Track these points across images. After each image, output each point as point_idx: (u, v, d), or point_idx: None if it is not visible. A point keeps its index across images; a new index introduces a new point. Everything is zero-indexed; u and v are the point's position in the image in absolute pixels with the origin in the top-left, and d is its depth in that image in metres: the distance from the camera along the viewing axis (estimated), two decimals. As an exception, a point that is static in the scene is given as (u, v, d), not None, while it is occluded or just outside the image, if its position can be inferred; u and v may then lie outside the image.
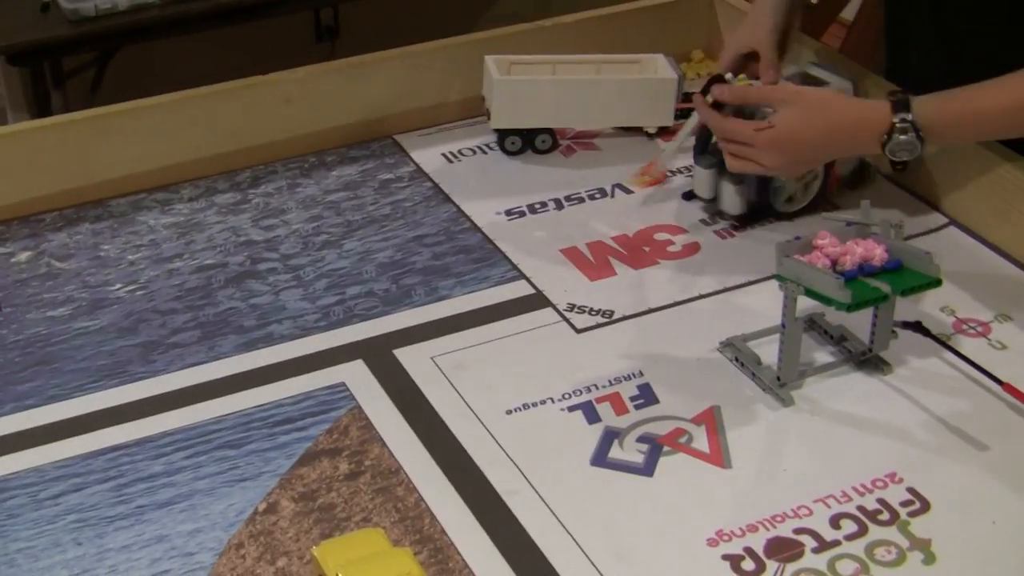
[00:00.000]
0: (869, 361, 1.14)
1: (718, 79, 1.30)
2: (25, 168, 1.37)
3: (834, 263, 1.07)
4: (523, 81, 1.43)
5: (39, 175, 1.38)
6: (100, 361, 1.17)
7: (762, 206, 1.32)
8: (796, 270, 1.06)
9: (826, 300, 1.04)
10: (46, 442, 1.08)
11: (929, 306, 1.21)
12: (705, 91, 1.31)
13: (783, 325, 1.08)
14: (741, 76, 1.31)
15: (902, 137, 1.19)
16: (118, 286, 1.27)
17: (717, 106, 1.28)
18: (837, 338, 1.16)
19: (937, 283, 1.06)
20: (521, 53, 1.48)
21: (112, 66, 2.64)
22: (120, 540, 0.98)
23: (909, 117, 1.19)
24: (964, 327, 1.19)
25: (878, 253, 1.07)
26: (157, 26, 2.34)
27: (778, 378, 1.10)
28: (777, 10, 1.39)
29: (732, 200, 1.32)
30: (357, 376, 1.14)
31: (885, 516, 0.99)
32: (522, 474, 1.03)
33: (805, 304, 1.09)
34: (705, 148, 1.33)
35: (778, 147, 1.25)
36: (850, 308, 1.03)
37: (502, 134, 1.46)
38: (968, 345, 1.16)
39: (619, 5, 1.61)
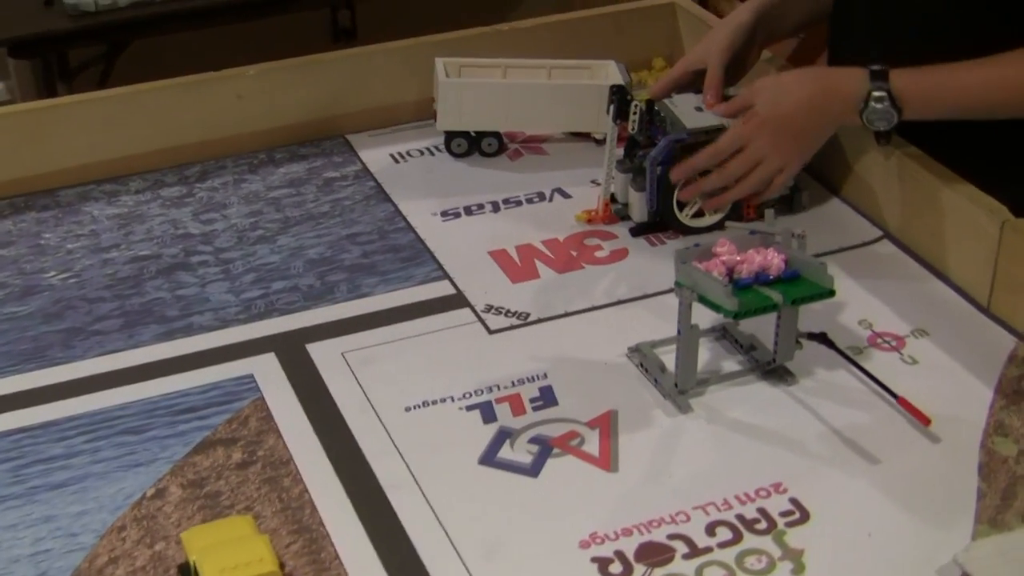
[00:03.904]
0: (775, 371, 1.14)
1: (620, 89, 1.34)
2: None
3: (731, 271, 1.07)
4: (469, 83, 1.45)
5: (-9, 163, 1.42)
6: (22, 346, 1.19)
7: (664, 216, 1.32)
8: (692, 276, 1.06)
9: (716, 307, 1.04)
10: (-46, 422, 1.11)
11: (847, 318, 1.21)
12: (620, 116, 1.33)
13: (679, 332, 1.08)
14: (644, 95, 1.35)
15: (878, 106, 1.23)
16: (52, 273, 1.29)
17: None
18: (747, 347, 1.16)
19: (830, 294, 1.06)
20: (477, 56, 1.49)
21: (124, 60, 2.69)
22: (8, 519, 1.00)
23: (886, 86, 1.22)
24: (878, 340, 1.18)
25: (775, 263, 1.07)
26: (158, 21, 2.38)
27: (676, 385, 1.10)
28: (737, 31, 1.40)
29: (638, 207, 1.33)
30: (266, 368, 1.16)
31: (762, 525, 0.99)
32: (408, 469, 1.04)
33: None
34: (628, 152, 1.34)
35: (766, 129, 1.27)
36: (737, 316, 1.03)
37: (449, 136, 1.48)
38: (879, 359, 1.16)
39: (580, 11, 1.62)
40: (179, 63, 2.63)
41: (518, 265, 1.29)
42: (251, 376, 1.15)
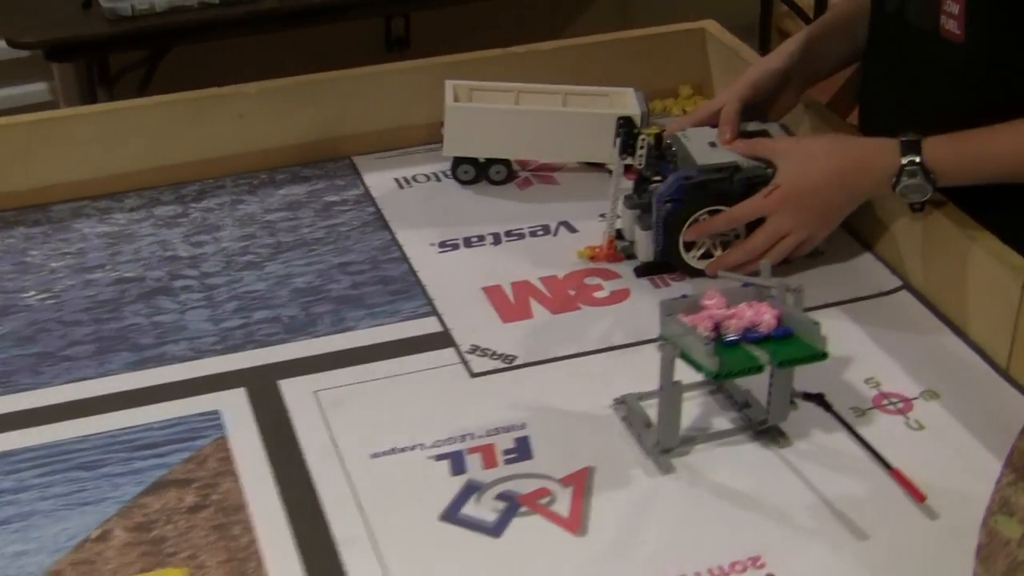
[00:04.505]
0: (767, 432, 1.07)
1: (627, 121, 1.26)
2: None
3: (718, 326, 1.00)
4: (476, 109, 1.39)
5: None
6: (-10, 370, 1.16)
7: (669, 257, 1.25)
8: (675, 331, 1.00)
9: (697, 366, 0.97)
10: (-93, 449, 1.07)
11: (854, 375, 1.13)
12: (626, 149, 1.26)
13: (661, 388, 1.01)
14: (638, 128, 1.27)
15: (911, 180, 1.16)
16: (31, 293, 1.26)
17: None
18: (741, 404, 1.09)
19: (822, 356, 0.99)
20: (492, 79, 1.44)
21: (166, 66, 2.66)
22: (-55, 557, 0.96)
23: (918, 159, 1.16)
24: (884, 402, 1.10)
25: (767, 319, 1.00)
26: (198, 29, 2.35)
27: (657, 443, 1.04)
28: (764, 76, 1.35)
29: (643, 246, 1.26)
30: (234, 405, 1.11)
31: (733, 603, 0.92)
32: (365, 522, 0.98)
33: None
34: (637, 187, 1.28)
35: (790, 203, 1.21)
36: (717, 377, 0.96)
37: (456, 162, 1.42)
38: (882, 423, 1.08)
39: (603, 35, 1.56)
40: (223, 69, 2.61)
41: (511, 303, 1.23)
42: (217, 412, 1.10)
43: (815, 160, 1.21)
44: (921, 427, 1.08)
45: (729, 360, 0.96)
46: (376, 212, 1.38)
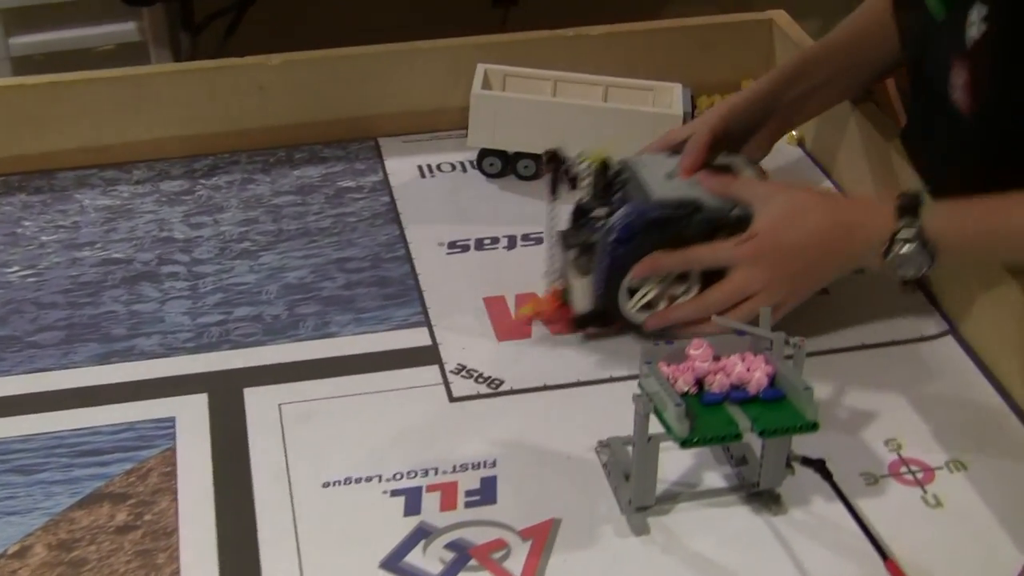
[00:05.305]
0: (760, 495, 0.95)
1: (554, 156, 1.09)
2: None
3: (700, 381, 0.89)
4: (502, 98, 1.28)
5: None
6: (-49, 353, 1.10)
7: (609, 307, 1.08)
8: (651, 383, 0.89)
9: (668, 428, 0.86)
10: None
11: (873, 434, 1.01)
12: (555, 191, 1.09)
13: (634, 444, 0.91)
14: (581, 153, 1.09)
15: (905, 249, 0.98)
16: (15, 268, 1.20)
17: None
18: (738, 459, 0.98)
19: (811, 428, 0.87)
20: (533, 65, 1.33)
21: (256, 13, 2.59)
22: None
23: (916, 224, 0.98)
24: (902, 469, 0.98)
25: (757, 377, 0.88)
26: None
27: (629, 501, 0.93)
28: (739, 105, 1.17)
29: (580, 295, 1.09)
30: (192, 413, 1.03)
31: None
32: (299, 564, 0.90)
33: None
34: (574, 221, 1.11)
35: (766, 259, 1.03)
36: (684, 444, 0.85)
37: (482, 153, 1.32)
38: (894, 495, 0.96)
39: (661, 21, 1.43)
40: (312, 22, 2.53)
41: (511, 319, 1.13)
42: (172, 420, 1.03)
43: (803, 213, 1.04)
44: (939, 504, 0.95)
45: (704, 424, 0.85)
46: (390, 202, 1.29)
